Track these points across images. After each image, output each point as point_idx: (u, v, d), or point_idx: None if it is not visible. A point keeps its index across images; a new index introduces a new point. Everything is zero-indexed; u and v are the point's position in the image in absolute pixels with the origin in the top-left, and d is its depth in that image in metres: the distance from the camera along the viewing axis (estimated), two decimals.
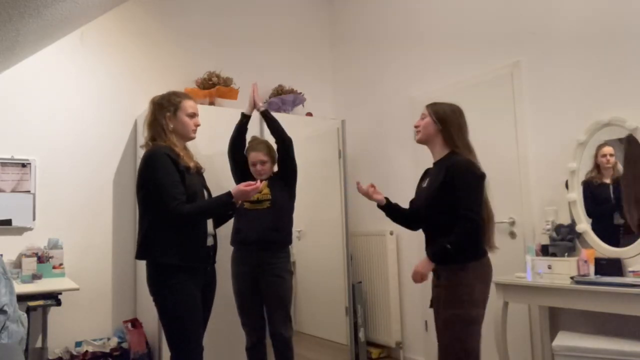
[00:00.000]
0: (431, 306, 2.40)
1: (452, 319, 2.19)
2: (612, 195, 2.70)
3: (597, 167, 2.75)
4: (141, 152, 2.33)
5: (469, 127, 3.46)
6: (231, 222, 2.99)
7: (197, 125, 2.45)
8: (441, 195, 2.25)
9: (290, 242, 3.11)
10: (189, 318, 2.24)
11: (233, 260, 3.07)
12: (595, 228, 2.73)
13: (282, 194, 3.06)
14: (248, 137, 3.19)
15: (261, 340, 3.03)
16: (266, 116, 3.14)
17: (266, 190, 3.02)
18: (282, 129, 3.10)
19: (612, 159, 2.70)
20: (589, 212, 2.77)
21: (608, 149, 2.71)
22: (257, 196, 2.95)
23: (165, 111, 2.37)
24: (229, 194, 2.32)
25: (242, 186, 2.32)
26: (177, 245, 2.22)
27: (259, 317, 3.01)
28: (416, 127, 2.43)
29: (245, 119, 3.14)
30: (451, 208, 2.22)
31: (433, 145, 2.39)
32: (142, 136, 2.40)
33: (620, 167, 2.69)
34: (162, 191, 2.20)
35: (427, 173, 2.48)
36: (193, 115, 2.43)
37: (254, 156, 3.07)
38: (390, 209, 2.55)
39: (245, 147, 3.16)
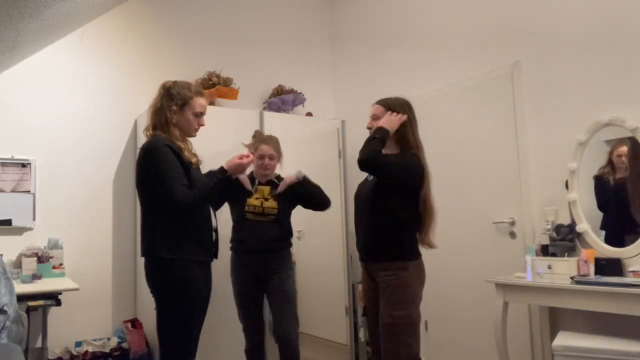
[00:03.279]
0: (366, 298, 2.40)
1: (397, 322, 2.15)
2: (617, 193, 2.69)
3: (611, 163, 2.74)
4: None
5: (466, 127, 3.50)
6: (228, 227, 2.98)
7: (201, 125, 2.36)
8: (387, 188, 2.26)
9: (291, 243, 3.07)
10: (193, 313, 2.19)
11: (235, 264, 3.00)
12: (605, 224, 2.72)
13: (286, 209, 3.00)
14: None
15: (261, 344, 2.99)
16: (308, 182, 3.00)
17: (273, 204, 2.93)
18: (324, 196, 3.02)
19: (627, 161, 2.67)
20: (600, 207, 2.76)
21: (624, 150, 2.66)
22: (262, 207, 2.90)
23: (172, 103, 2.27)
24: (222, 170, 2.25)
25: (236, 159, 2.27)
26: (184, 240, 2.16)
27: (260, 320, 2.99)
28: (369, 128, 2.42)
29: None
30: (392, 201, 2.24)
31: (387, 144, 2.36)
32: (143, 134, 2.36)
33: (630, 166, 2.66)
34: (166, 184, 2.11)
35: None
36: (200, 114, 2.34)
37: (265, 149, 2.96)
38: None
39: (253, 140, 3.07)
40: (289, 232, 3.03)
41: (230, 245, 3.01)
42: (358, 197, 2.45)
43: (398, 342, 2.14)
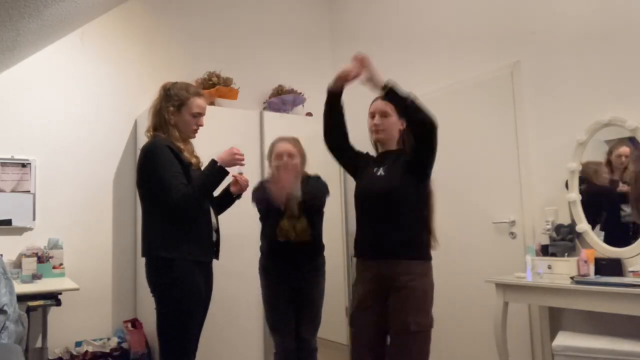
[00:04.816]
0: (361, 307, 2.20)
1: (419, 330, 2.05)
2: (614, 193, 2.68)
3: (609, 163, 2.73)
4: None
5: (466, 127, 3.49)
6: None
7: (200, 125, 2.36)
8: (411, 173, 2.17)
9: (323, 256, 2.90)
10: (193, 312, 2.19)
11: (264, 269, 2.85)
12: (604, 224, 2.72)
13: (319, 227, 2.81)
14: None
15: (294, 350, 2.75)
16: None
17: (303, 225, 2.68)
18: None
19: (626, 161, 2.66)
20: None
21: (624, 150, 2.65)
22: (295, 231, 2.68)
23: (169, 104, 2.28)
24: (212, 162, 2.23)
25: (228, 150, 2.26)
26: (183, 240, 2.16)
27: (293, 326, 2.78)
28: (377, 125, 2.33)
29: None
30: (418, 197, 2.16)
31: (391, 143, 2.34)
32: (143, 134, 2.38)
33: (631, 167, 2.64)
34: (165, 183, 2.12)
35: (375, 161, 2.36)
36: (198, 115, 2.33)
37: (281, 146, 2.72)
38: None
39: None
40: (321, 233, 2.85)
41: (260, 245, 2.88)
42: (369, 191, 2.25)
43: (418, 351, 2.06)
